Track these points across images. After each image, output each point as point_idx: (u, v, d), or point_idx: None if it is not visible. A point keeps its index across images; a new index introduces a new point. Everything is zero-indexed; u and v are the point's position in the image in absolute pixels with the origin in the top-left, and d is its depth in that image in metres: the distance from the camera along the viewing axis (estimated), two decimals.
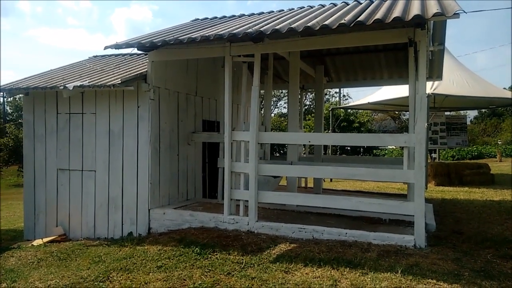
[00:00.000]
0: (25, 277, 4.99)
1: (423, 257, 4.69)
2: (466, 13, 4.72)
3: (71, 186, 7.43)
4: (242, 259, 4.94)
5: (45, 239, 7.04)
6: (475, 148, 26.90)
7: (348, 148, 26.11)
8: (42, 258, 5.67)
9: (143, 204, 6.82)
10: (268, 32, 5.40)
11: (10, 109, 36.64)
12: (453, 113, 17.88)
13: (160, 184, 7.02)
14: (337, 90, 30.70)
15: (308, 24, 5.22)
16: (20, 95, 9.28)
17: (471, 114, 38.83)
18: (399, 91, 12.21)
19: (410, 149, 5.39)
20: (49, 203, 7.61)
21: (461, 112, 24.04)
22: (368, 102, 14.94)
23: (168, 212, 6.73)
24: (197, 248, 5.35)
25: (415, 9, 5.10)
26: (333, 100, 33.27)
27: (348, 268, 4.49)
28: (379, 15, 5.10)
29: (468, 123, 28.54)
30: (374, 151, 27.81)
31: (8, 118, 33.01)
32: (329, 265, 4.60)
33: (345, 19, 5.20)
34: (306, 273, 4.46)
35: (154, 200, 6.88)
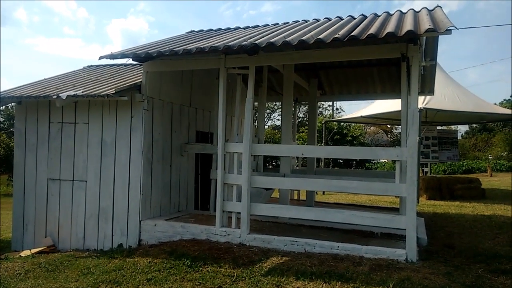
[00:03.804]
0: None
1: (415, 271, 4.68)
2: (458, 29, 4.80)
3: (61, 196, 7.34)
4: (233, 272, 4.89)
5: (34, 250, 6.91)
6: (465, 163, 27.11)
7: (341, 161, 26.21)
8: (30, 269, 5.56)
9: (134, 215, 6.75)
10: (263, 45, 5.44)
11: (2, 117, 36.33)
12: (444, 127, 18.06)
13: (151, 195, 6.97)
14: (331, 103, 31.01)
15: (303, 38, 5.27)
16: (12, 103, 9.21)
17: (462, 129, 39.25)
18: (392, 105, 12.34)
19: (402, 163, 5.41)
20: (38, 213, 7.51)
21: (452, 127, 24.31)
22: (361, 116, 15.06)
23: (159, 223, 6.66)
24: (188, 261, 5.29)
25: (408, 25, 5.19)
26: (326, 113, 33.51)
27: (340, 282, 4.46)
28: (372, 30, 5.18)
29: (459, 138, 28.80)
30: (367, 164, 27.90)
31: None
32: (321, 279, 4.57)
33: (339, 33, 5.26)
34: (297, 287, 4.42)
35: (145, 211, 6.81)
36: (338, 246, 5.52)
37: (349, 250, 5.44)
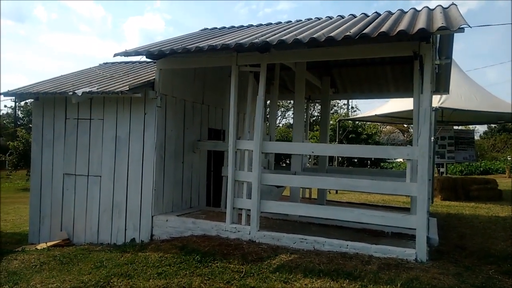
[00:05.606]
0: (27, 280, 5.04)
1: (424, 271, 4.65)
2: (471, 27, 4.74)
3: (76, 191, 7.50)
4: (242, 268, 4.94)
5: (49, 243, 7.10)
6: (483, 164, 26.59)
7: (355, 160, 26.01)
8: (45, 261, 5.72)
9: (146, 210, 6.86)
10: (274, 43, 5.46)
11: (21, 113, 37.30)
12: (461, 127, 17.77)
13: (164, 191, 7.07)
14: (346, 102, 30.82)
15: (314, 36, 5.28)
16: (30, 99, 9.43)
17: (481, 129, 38.55)
18: (407, 103, 12.16)
19: (413, 162, 5.37)
20: (54, 207, 7.69)
21: (470, 126, 23.89)
22: (376, 114, 14.94)
23: (171, 219, 6.76)
24: (198, 256, 5.36)
25: (420, 23, 5.14)
26: (341, 111, 33.31)
27: (347, 280, 4.46)
28: (384, 28, 5.15)
29: (477, 138, 28.26)
30: (382, 163, 27.62)
31: (19, 123, 33.54)
32: (328, 276, 4.58)
33: (351, 31, 5.24)
34: (305, 284, 4.44)
35: (158, 207, 6.92)
36: (347, 245, 5.51)
37: (358, 249, 5.43)
